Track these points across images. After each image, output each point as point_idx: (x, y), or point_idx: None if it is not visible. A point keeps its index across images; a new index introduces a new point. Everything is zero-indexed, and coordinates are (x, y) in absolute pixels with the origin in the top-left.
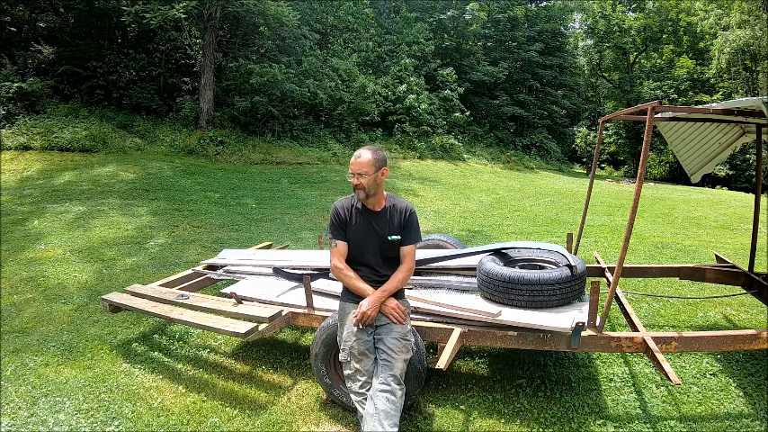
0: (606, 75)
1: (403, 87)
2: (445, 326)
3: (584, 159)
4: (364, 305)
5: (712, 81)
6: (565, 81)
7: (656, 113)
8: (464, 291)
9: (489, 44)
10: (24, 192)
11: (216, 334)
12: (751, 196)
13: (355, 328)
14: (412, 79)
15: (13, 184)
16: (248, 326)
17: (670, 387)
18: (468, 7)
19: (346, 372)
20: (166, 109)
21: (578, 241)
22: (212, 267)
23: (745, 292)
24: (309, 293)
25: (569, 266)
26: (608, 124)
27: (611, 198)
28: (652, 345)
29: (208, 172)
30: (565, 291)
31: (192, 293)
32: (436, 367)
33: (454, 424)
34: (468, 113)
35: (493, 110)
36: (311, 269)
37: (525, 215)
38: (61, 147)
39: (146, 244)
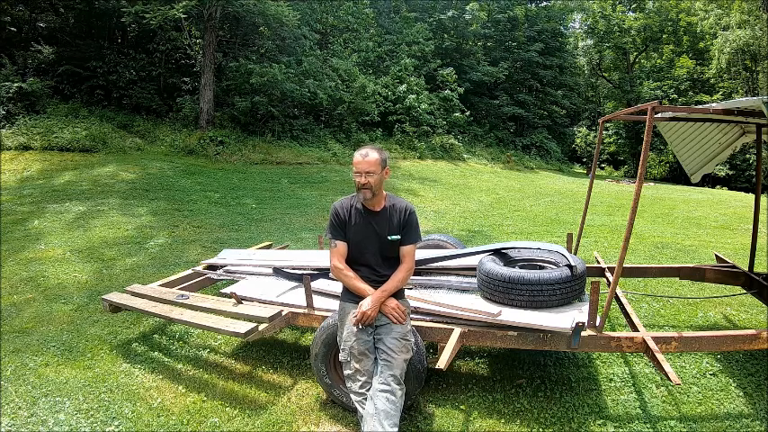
0: (606, 75)
1: (403, 87)
2: (445, 326)
3: (584, 159)
4: (364, 305)
5: (712, 81)
6: (565, 81)
7: (656, 113)
8: (464, 291)
9: (489, 44)
10: (24, 192)
11: (216, 334)
12: (751, 196)
13: (355, 328)
14: (412, 79)
15: (13, 184)
16: (248, 326)
17: (670, 387)
18: (467, 7)
19: (346, 372)
20: (166, 109)
21: (578, 241)
22: (212, 267)
23: (745, 292)
24: (309, 293)
25: (569, 266)
26: (608, 124)
27: (611, 198)
28: (652, 345)
29: (208, 172)
30: (565, 291)
31: (192, 293)
32: (436, 367)
33: (454, 424)
34: (468, 113)
35: (493, 110)
36: (311, 269)
37: (525, 215)
38: (61, 147)
39: (146, 244)
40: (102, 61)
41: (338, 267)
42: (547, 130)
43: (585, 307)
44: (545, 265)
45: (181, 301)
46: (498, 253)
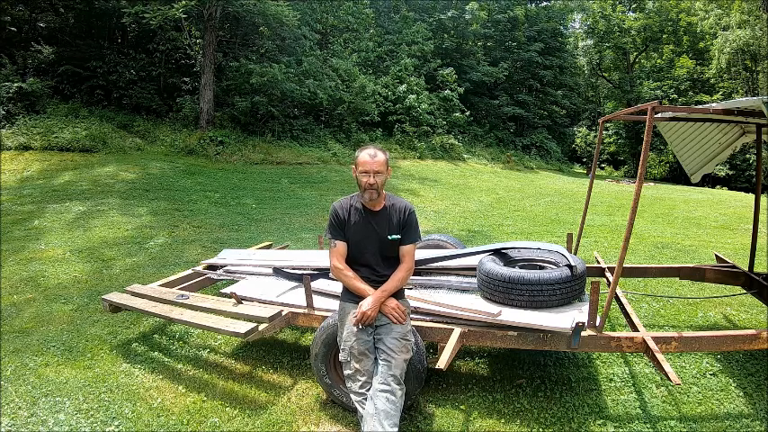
0: (606, 75)
1: (403, 87)
2: (445, 326)
3: (584, 159)
4: (364, 305)
5: (712, 81)
6: (565, 81)
7: (656, 113)
8: (464, 291)
9: (489, 44)
10: (24, 192)
11: (216, 334)
12: (751, 196)
13: (355, 328)
14: (412, 79)
15: (13, 184)
16: (248, 326)
17: (670, 387)
18: (467, 7)
19: (346, 372)
20: (166, 109)
21: (578, 241)
22: (212, 267)
23: (745, 292)
24: (309, 293)
25: (569, 266)
26: (608, 124)
27: (611, 198)
28: (652, 345)
29: (208, 172)
30: (565, 291)
31: (192, 293)
32: (436, 367)
33: (454, 424)
34: (468, 113)
35: (493, 110)
36: (311, 269)
37: (525, 215)
38: (61, 147)
39: (146, 244)
40: (102, 61)
41: (338, 267)
42: (547, 130)
43: (585, 307)
44: (545, 265)
45: (181, 301)
46: (498, 253)
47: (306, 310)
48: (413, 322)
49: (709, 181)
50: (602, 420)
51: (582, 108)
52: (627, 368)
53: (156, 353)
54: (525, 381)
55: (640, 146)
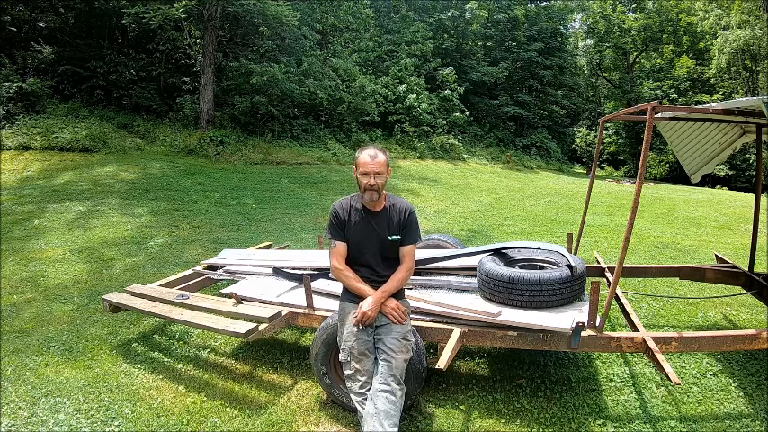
0: (606, 75)
1: (403, 87)
2: (445, 326)
3: (584, 159)
4: (364, 305)
5: (712, 81)
6: (565, 81)
7: (656, 113)
8: (464, 291)
9: (489, 44)
10: (24, 192)
11: (216, 334)
12: (751, 196)
13: (355, 329)
14: (412, 79)
15: (13, 184)
16: (248, 326)
17: (670, 387)
18: (467, 6)
19: (346, 372)
20: (166, 109)
21: (578, 241)
22: (212, 267)
23: (745, 292)
24: (309, 293)
25: (569, 266)
26: (608, 124)
27: (611, 198)
28: (652, 345)
29: (208, 172)
30: (565, 291)
31: (192, 293)
32: (436, 367)
33: (454, 424)
34: (468, 113)
35: (493, 110)
36: (311, 269)
37: (525, 215)
38: (61, 147)
39: (146, 244)
40: (102, 61)
41: (338, 268)
42: (547, 130)
43: (585, 307)
44: (545, 265)
45: (181, 301)
46: (498, 253)
47: (306, 310)
48: (413, 322)
49: (710, 181)
50: (602, 420)
51: (582, 108)
52: (627, 368)
53: (156, 353)
54: (525, 381)
55: (640, 146)
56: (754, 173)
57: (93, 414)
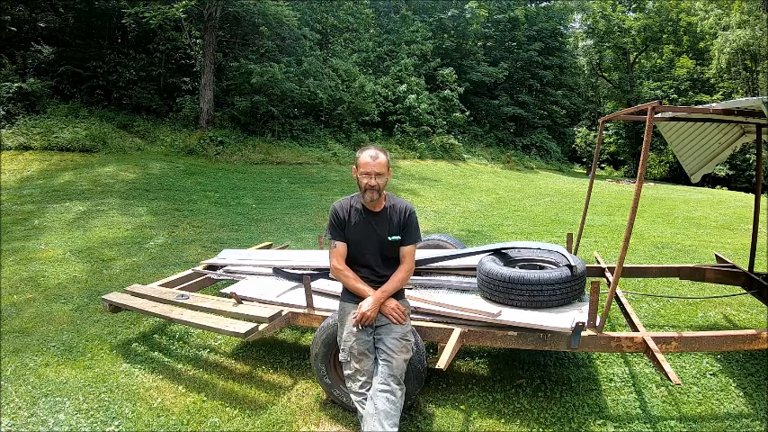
0: (606, 75)
1: (403, 87)
2: (445, 326)
3: (584, 159)
4: (364, 306)
5: (712, 81)
6: (565, 81)
7: (656, 113)
8: (464, 291)
9: (489, 44)
10: (24, 192)
11: (216, 334)
12: (751, 196)
13: (355, 329)
14: (412, 79)
15: (13, 184)
16: (248, 326)
17: (670, 387)
18: (467, 6)
19: (346, 372)
20: (166, 109)
21: (578, 241)
22: (212, 267)
23: (745, 292)
24: (309, 293)
25: (569, 266)
26: (608, 124)
27: (611, 198)
28: (652, 345)
29: (208, 172)
30: (565, 291)
31: (192, 293)
32: (436, 367)
33: (454, 424)
34: (468, 113)
35: (493, 110)
36: (311, 269)
37: (525, 215)
38: (61, 147)
39: (145, 244)
40: (102, 61)
41: (338, 268)
42: (547, 130)
43: (585, 307)
44: (545, 265)
45: (181, 301)
46: (498, 253)
47: (306, 310)
48: (413, 322)
49: (710, 181)
50: (602, 420)
51: (582, 108)
52: (627, 368)
53: (156, 353)
54: (525, 381)
55: (640, 146)
56: (754, 173)
57: (93, 414)
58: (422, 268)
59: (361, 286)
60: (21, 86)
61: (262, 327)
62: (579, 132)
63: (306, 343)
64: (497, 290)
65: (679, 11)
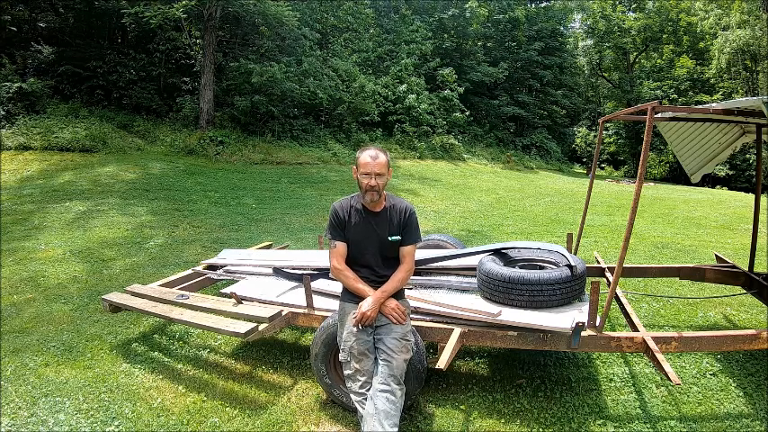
0: (606, 75)
1: (403, 87)
2: (445, 326)
3: (584, 159)
4: (364, 306)
5: (712, 81)
6: (565, 81)
7: (656, 113)
8: (464, 291)
9: (489, 44)
10: (24, 192)
11: (216, 334)
12: (751, 196)
13: (355, 329)
14: (412, 79)
15: (13, 184)
16: (248, 326)
17: (670, 387)
18: (467, 6)
19: (346, 372)
20: (166, 109)
21: (578, 241)
22: (212, 267)
23: (745, 292)
24: (309, 293)
25: (569, 266)
26: (608, 124)
27: (611, 198)
28: (652, 345)
29: (208, 172)
30: (565, 291)
31: (192, 293)
32: (436, 367)
33: (454, 424)
34: (467, 113)
35: (493, 110)
36: (311, 269)
37: (525, 215)
38: (61, 147)
39: (145, 244)
40: (102, 61)
41: (338, 268)
42: (547, 130)
43: (585, 307)
44: (545, 265)
45: (181, 301)
46: (498, 253)
47: (306, 310)
48: (413, 322)
49: (710, 181)
50: (602, 420)
51: (582, 108)
52: (627, 368)
53: (156, 353)
54: (525, 381)
55: (640, 146)
56: (754, 173)
57: (93, 414)
58: (422, 268)
59: (361, 286)
60: (21, 86)
61: (262, 327)
62: (579, 132)
63: (306, 343)
64: (497, 290)
65: (679, 11)
